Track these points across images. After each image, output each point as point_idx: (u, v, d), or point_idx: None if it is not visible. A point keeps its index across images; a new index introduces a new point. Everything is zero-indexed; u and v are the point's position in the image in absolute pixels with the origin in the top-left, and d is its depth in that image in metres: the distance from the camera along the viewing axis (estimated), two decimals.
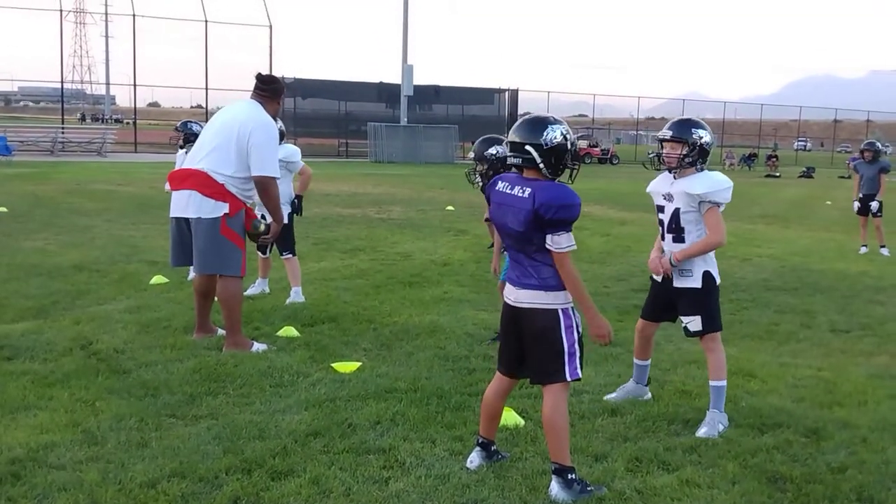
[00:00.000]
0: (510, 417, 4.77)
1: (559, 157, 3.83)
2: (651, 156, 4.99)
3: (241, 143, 6.04)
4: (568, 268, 3.78)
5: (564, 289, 3.84)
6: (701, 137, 4.82)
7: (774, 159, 45.55)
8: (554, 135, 3.81)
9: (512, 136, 3.88)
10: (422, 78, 46.31)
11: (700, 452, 4.46)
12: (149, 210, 14.81)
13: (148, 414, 4.80)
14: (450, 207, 18.23)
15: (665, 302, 5.06)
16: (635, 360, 5.37)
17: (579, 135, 55.67)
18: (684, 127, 4.87)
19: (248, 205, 6.31)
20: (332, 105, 46.62)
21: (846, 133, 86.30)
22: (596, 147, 50.57)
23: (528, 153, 3.80)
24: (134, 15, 40.61)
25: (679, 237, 4.89)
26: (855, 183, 13.27)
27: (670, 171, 4.92)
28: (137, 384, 5.33)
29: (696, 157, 4.82)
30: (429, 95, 47.89)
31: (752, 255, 12.17)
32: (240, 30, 42.88)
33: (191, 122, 8.99)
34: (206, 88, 42.38)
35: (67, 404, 4.92)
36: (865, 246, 12.88)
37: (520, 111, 55.41)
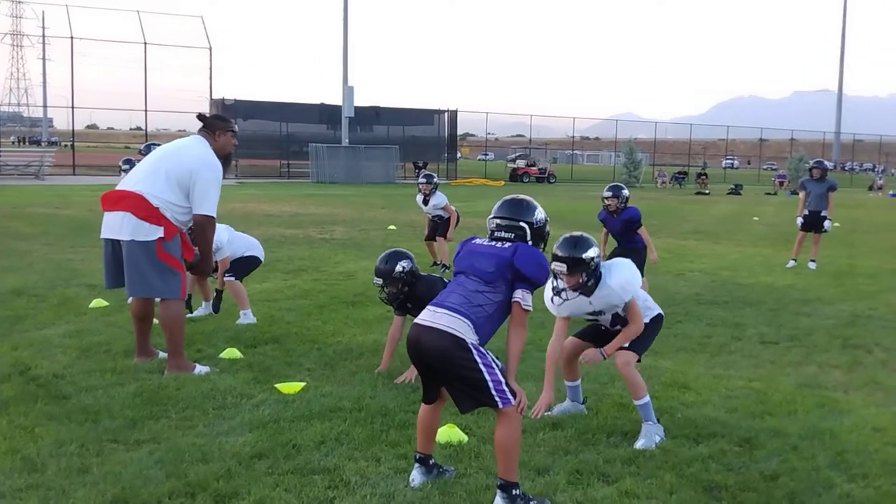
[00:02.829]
0: (454, 434, 4.76)
1: (542, 234, 4.21)
2: (555, 294, 4.85)
3: (182, 175, 5.95)
4: (524, 324, 4.00)
5: (476, 331, 3.85)
6: (592, 258, 4.68)
7: (704, 177, 46.49)
8: (541, 216, 4.22)
9: (502, 212, 4.19)
10: (362, 99, 46.44)
11: (638, 464, 4.51)
12: (88, 233, 14.48)
13: (89, 439, 4.68)
14: (392, 227, 18.23)
15: (607, 335, 5.12)
16: (566, 382, 5.41)
17: (517, 154, 56.21)
18: (576, 254, 4.65)
19: (183, 232, 6.20)
20: (273, 126, 46.27)
21: (771, 151, 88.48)
22: (534, 166, 51.02)
23: (522, 228, 4.13)
24: (72, 37, 39.94)
25: (626, 323, 5.01)
26: (801, 200, 13.39)
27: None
28: (78, 409, 5.19)
29: (596, 276, 4.76)
30: (370, 116, 47.91)
31: (685, 270, 12.39)
32: (179, 52, 42.39)
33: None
34: (146, 110, 41.85)
35: (6, 431, 4.78)
36: (794, 260, 13.14)
37: (459, 132, 55.76)
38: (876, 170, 73.82)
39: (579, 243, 4.69)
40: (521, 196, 4.32)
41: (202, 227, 6.09)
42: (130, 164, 9.25)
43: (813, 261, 13.00)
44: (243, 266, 7.95)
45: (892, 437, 5.07)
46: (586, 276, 4.71)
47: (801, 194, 13.40)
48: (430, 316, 3.94)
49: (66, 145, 57.40)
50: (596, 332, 5.20)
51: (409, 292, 5.93)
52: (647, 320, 5.05)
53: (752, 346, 7.55)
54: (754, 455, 4.70)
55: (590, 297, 4.82)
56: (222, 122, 6.36)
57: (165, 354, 6.22)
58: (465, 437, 4.78)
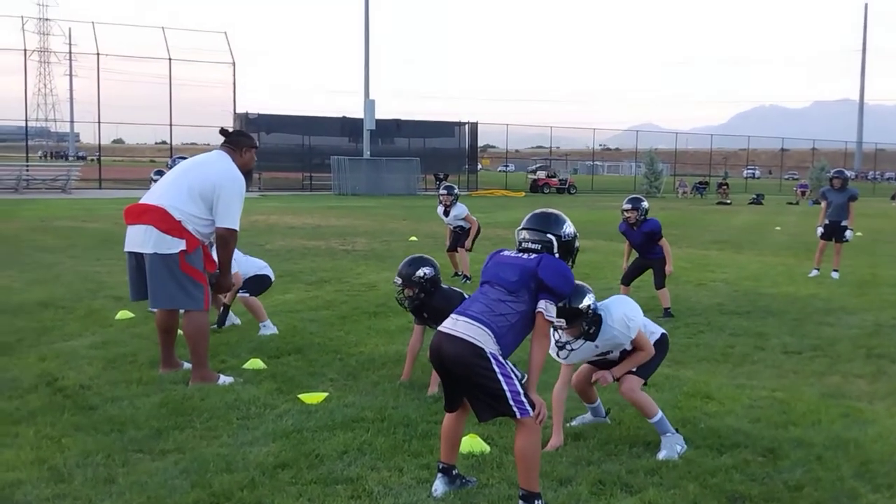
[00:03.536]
0: (476, 444, 4.75)
1: (570, 249, 4.22)
2: (560, 349, 4.83)
3: (205, 189, 6.00)
4: (548, 335, 4.03)
5: (497, 340, 3.85)
6: (589, 306, 4.63)
7: (725, 187, 46.15)
8: (569, 230, 4.22)
9: (531, 224, 4.22)
10: (384, 112, 46.55)
11: (661, 474, 4.48)
12: (114, 246, 14.55)
13: (115, 449, 4.71)
14: (413, 238, 18.25)
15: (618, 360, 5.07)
16: (585, 405, 5.39)
17: (538, 165, 56.13)
18: (572, 306, 4.55)
19: (205, 244, 6.23)
20: (295, 139, 46.46)
21: (793, 161, 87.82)
22: (554, 177, 50.94)
23: (550, 241, 4.14)
24: (98, 54, 40.35)
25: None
26: (822, 210, 13.36)
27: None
28: (104, 420, 5.23)
29: (597, 321, 4.71)
30: (390, 129, 48.02)
31: (706, 279, 12.31)
32: (203, 67, 42.66)
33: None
34: (171, 125, 42.14)
35: (33, 441, 4.82)
36: (817, 270, 13.04)
37: (480, 143, 55.77)
38: None
39: (574, 295, 4.57)
40: (551, 210, 4.34)
41: (225, 241, 6.13)
42: (162, 175, 9.25)
43: (836, 270, 12.88)
44: (256, 284, 8.05)
45: None
46: (587, 325, 4.68)
47: (823, 204, 13.34)
48: (452, 324, 3.95)
49: (92, 159, 58.00)
50: (606, 362, 5.14)
51: (427, 300, 5.94)
52: (659, 333, 5.03)
53: (775, 356, 7.48)
54: (778, 465, 4.65)
55: (595, 341, 4.79)
56: (247, 139, 6.44)
57: (190, 365, 6.26)
58: (487, 448, 4.77)
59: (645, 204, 9.35)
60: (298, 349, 7.23)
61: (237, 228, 6.17)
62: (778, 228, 24.10)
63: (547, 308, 3.96)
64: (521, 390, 3.83)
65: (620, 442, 4.98)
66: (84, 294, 10.00)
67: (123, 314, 8.59)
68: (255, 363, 6.65)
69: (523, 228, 4.24)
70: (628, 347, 4.90)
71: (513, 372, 3.85)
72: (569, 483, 4.33)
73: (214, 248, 6.35)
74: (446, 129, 51.38)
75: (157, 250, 5.96)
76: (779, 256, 15.99)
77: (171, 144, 43.63)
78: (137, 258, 6.13)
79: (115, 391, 5.86)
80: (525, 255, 4.11)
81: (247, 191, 6.32)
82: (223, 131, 6.39)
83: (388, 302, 9.55)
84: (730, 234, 21.81)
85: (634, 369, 4.92)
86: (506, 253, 4.23)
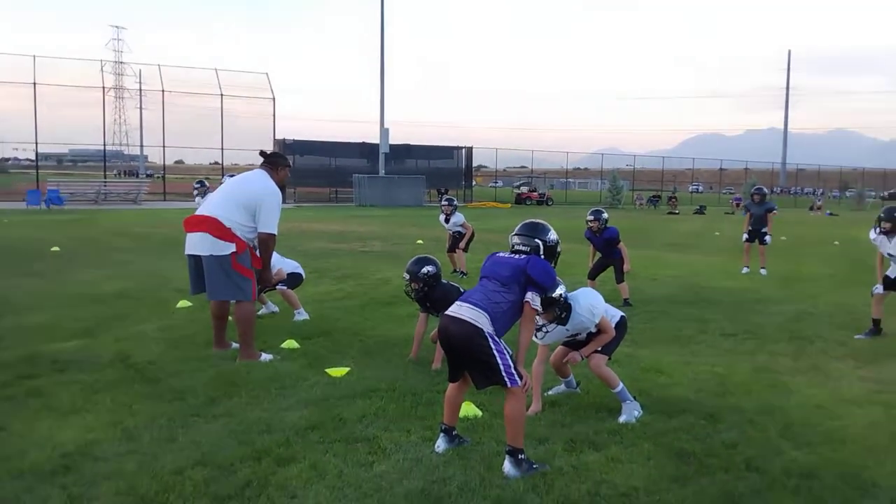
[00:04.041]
0: (470, 410, 4.74)
1: (553, 252, 4.21)
2: (537, 331, 4.76)
3: (249, 202, 6.00)
4: (533, 320, 4.04)
5: (492, 323, 3.85)
6: (561, 295, 4.56)
7: (674, 200, 46.07)
8: (553, 237, 4.22)
9: (522, 231, 4.21)
10: (396, 138, 46.31)
11: (622, 434, 4.47)
12: (176, 248, 14.48)
13: (176, 414, 4.71)
14: (420, 241, 18.22)
15: (586, 341, 5.03)
16: (560, 380, 5.37)
17: (522, 182, 56.02)
18: (547, 295, 4.32)
19: (251, 247, 6.23)
20: (324, 161, 46.33)
21: (729, 179, 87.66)
22: (535, 192, 50.87)
23: (537, 244, 4.13)
24: (163, 91, 40.29)
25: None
26: (746, 220, 13.44)
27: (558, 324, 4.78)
28: (167, 390, 5.23)
29: (567, 307, 4.68)
30: (402, 152, 47.92)
31: (659, 275, 12.29)
32: (248, 101, 42.55)
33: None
34: (222, 148, 42.09)
35: (110, 407, 4.82)
36: (748, 268, 13.07)
37: (474, 164, 55.68)
38: (816, 193, 72.93)
39: (548, 279, 4.44)
40: (539, 220, 4.34)
41: (266, 244, 6.13)
42: (202, 184, 9.21)
43: (763, 268, 12.89)
44: (292, 280, 8.10)
45: (830, 413, 5.00)
46: (559, 310, 4.67)
47: (747, 215, 13.44)
48: (457, 309, 3.97)
49: (158, 177, 57.86)
50: (576, 342, 5.12)
51: (429, 293, 5.95)
52: (612, 324, 5.00)
53: (715, 338, 7.47)
54: (717, 427, 4.64)
55: (566, 325, 4.78)
56: (283, 160, 6.44)
57: (238, 345, 6.25)
58: (479, 413, 4.76)
59: (605, 215, 9.35)
60: (326, 332, 7.22)
61: (276, 233, 6.17)
62: (717, 234, 24.06)
63: (533, 299, 3.97)
64: (511, 364, 3.84)
65: (589, 408, 4.97)
66: (152, 287, 9.99)
67: (183, 303, 8.59)
68: (291, 343, 6.64)
69: (515, 234, 4.25)
70: (594, 330, 4.89)
71: (506, 349, 3.86)
72: (546, 442, 4.33)
73: (258, 249, 6.35)
74: (447, 152, 51.26)
75: (213, 253, 5.96)
76: (718, 256, 15.97)
77: (222, 164, 43.54)
78: (196, 259, 6.13)
79: (177, 366, 5.86)
80: (516, 256, 4.11)
81: (283, 202, 6.32)
82: (262, 153, 6.40)
83: (400, 294, 9.52)
84: (678, 238, 21.77)
85: (600, 349, 4.92)
86: (501, 254, 4.23)
